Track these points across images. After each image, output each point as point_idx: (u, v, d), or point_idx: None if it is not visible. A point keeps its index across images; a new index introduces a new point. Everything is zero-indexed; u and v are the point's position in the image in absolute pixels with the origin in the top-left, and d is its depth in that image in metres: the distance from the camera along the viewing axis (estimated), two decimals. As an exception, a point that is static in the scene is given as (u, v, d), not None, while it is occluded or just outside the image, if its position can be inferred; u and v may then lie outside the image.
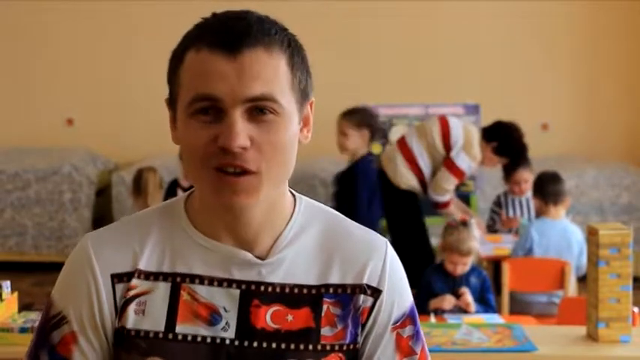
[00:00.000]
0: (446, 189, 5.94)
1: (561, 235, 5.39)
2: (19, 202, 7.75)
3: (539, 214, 5.55)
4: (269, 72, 1.41)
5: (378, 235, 1.57)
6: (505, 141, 6.07)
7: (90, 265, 1.48)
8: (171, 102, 1.48)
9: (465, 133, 5.97)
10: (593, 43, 8.40)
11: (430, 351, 2.63)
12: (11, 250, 7.77)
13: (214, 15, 1.46)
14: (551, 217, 5.44)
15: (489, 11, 8.33)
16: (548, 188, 5.49)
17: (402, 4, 8.31)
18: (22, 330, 3.27)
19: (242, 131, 1.39)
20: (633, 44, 8.38)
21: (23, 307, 3.60)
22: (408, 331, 1.54)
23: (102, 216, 7.76)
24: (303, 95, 1.47)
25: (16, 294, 3.49)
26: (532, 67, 8.37)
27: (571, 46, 8.41)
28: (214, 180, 1.41)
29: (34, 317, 3.37)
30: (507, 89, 8.37)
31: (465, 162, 5.88)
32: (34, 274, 7.18)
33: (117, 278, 1.48)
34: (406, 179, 5.94)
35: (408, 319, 1.54)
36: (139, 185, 6.06)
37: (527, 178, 6.17)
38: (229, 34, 1.41)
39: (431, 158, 5.99)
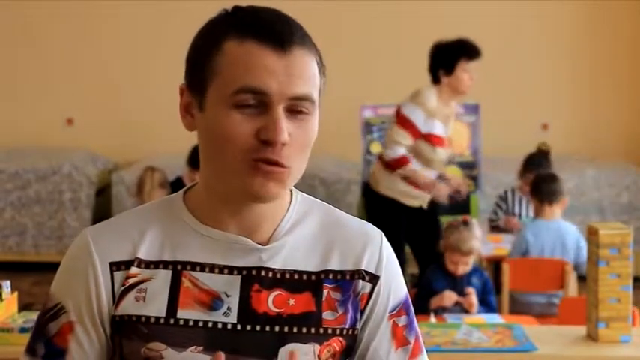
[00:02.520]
0: (395, 141, 5.52)
1: (555, 235, 5.38)
2: (19, 201, 7.76)
3: (536, 214, 5.55)
4: (310, 72, 1.46)
5: (373, 226, 1.61)
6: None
7: (89, 253, 1.50)
8: (198, 88, 1.48)
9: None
10: (593, 43, 8.40)
11: (430, 351, 2.62)
12: (11, 249, 7.77)
13: (242, 8, 1.48)
14: (545, 218, 5.44)
15: (489, 11, 8.34)
16: (544, 188, 5.48)
17: (402, 4, 8.32)
18: (22, 330, 3.27)
19: (285, 127, 1.43)
20: (633, 44, 8.38)
21: (23, 307, 3.60)
22: (403, 320, 1.58)
23: (102, 216, 7.75)
24: (319, 99, 1.51)
25: (16, 294, 3.49)
26: (532, 67, 8.37)
27: (571, 46, 8.41)
28: (250, 169, 1.44)
29: (34, 317, 3.36)
30: (507, 89, 8.37)
31: (410, 109, 5.50)
32: (34, 274, 7.18)
33: (115, 266, 1.49)
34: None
35: (403, 308, 1.58)
36: (138, 185, 6.11)
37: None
38: (277, 31, 1.44)
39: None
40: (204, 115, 1.47)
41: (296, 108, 1.44)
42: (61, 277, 1.54)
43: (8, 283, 3.47)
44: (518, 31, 8.36)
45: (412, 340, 1.59)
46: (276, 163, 1.43)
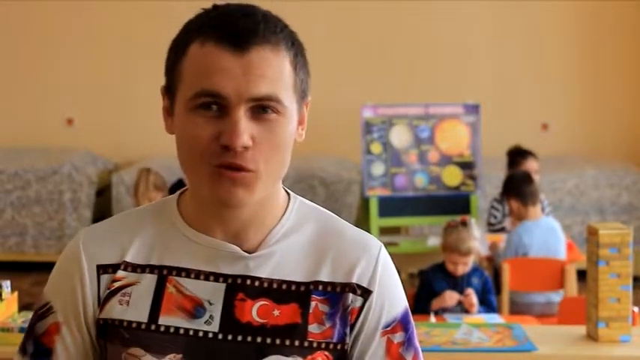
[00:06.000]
0: None
1: (548, 232, 5.42)
2: (19, 202, 7.75)
3: (519, 216, 5.55)
4: (275, 71, 1.40)
5: (373, 237, 1.55)
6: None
7: (77, 256, 1.49)
8: (170, 92, 1.47)
9: None
10: (593, 43, 8.40)
11: (430, 351, 2.61)
12: (11, 250, 7.77)
13: (217, 7, 1.45)
14: (531, 218, 5.47)
15: (489, 11, 8.34)
16: (525, 190, 5.52)
17: (401, 4, 8.32)
18: (22, 330, 3.27)
19: (245, 130, 1.39)
20: (634, 44, 8.38)
21: (23, 307, 3.61)
22: (398, 337, 1.51)
23: (102, 216, 7.75)
24: (302, 95, 1.47)
25: (16, 294, 3.49)
26: (532, 67, 8.37)
27: (571, 46, 8.41)
28: (213, 175, 1.41)
29: (34, 317, 3.36)
30: (507, 89, 8.38)
31: None
32: (34, 274, 7.18)
33: (102, 269, 1.48)
34: None
35: (399, 325, 1.51)
36: (134, 186, 6.11)
37: (536, 167, 6.23)
38: (237, 30, 1.40)
39: None
40: (174, 119, 1.46)
41: (261, 108, 1.40)
42: (52, 278, 1.54)
43: (8, 283, 3.47)
44: (519, 31, 8.35)
45: (409, 358, 1.52)
46: (240, 167, 1.39)
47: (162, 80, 1.53)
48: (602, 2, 8.35)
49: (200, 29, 1.43)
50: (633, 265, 3.40)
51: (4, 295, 3.40)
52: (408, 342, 1.52)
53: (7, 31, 8.48)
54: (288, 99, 1.42)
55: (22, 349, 1.54)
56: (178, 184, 6.13)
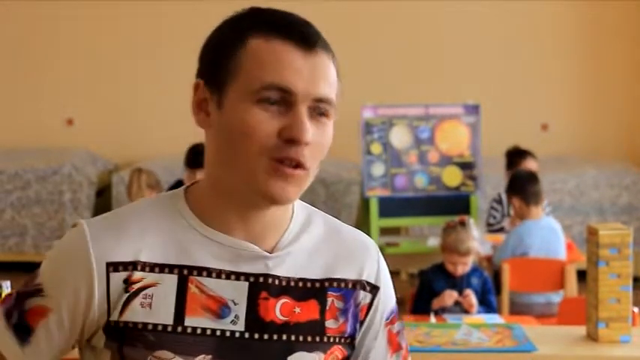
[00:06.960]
0: None
1: (549, 232, 5.42)
2: (19, 202, 7.76)
3: (521, 215, 5.56)
4: (331, 76, 1.46)
5: (366, 235, 1.62)
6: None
7: (85, 252, 1.44)
8: (217, 85, 1.45)
9: None
10: (593, 43, 8.40)
11: (430, 351, 2.63)
12: (11, 250, 7.78)
13: (261, 8, 1.47)
14: (533, 218, 5.48)
15: (489, 11, 8.34)
16: (529, 189, 5.51)
17: (402, 5, 8.32)
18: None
19: (310, 127, 1.42)
20: (634, 44, 8.38)
21: (23, 307, 3.60)
22: (396, 327, 1.60)
23: (102, 216, 7.76)
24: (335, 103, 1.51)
25: (16, 294, 3.49)
26: (532, 67, 8.38)
27: (571, 46, 8.41)
28: (269, 169, 1.42)
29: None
30: (507, 89, 8.38)
31: None
32: (34, 275, 7.18)
33: (112, 267, 1.44)
34: None
35: (396, 315, 1.60)
36: (127, 186, 6.11)
37: (535, 168, 6.23)
38: (304, 33, 1.45)
39: None
40: (223, 112, 1.44)
41: (318, 110, 1.44)
42: (51, 263, 1.50)
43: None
44: (519, 32, 8.36)
45: (404, 345, 1.61)
46: (298, 164, 1.42)
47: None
48: (602, 3, 8.36)
49: (260, 25, 1.44)
50: (633, 266, 3.39)
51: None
52: (402, 330, 1.62)
53: (7, 31, 8.49)
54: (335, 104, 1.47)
55: (8, 315, 1.49)
56: (177, 185, 6.12)
